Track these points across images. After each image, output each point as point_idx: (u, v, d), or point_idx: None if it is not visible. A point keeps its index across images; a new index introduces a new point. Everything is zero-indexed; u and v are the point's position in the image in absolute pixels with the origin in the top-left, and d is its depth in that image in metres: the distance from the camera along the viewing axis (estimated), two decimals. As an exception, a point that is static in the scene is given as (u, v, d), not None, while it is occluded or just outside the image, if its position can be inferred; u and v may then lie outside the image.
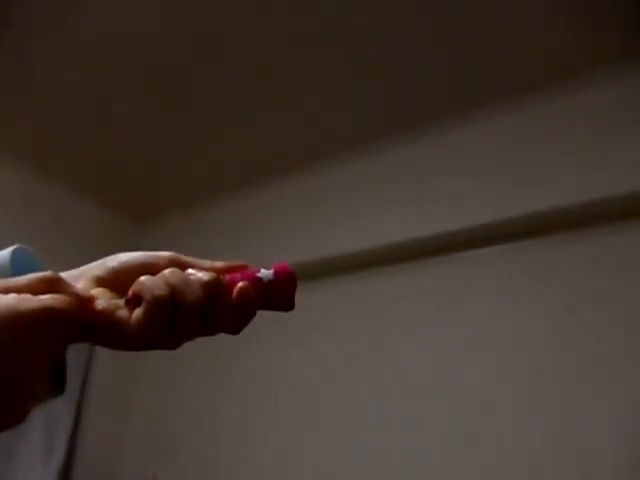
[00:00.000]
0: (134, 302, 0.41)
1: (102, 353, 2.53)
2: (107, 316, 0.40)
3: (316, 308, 2.15)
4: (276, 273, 0.45)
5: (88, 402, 2.44)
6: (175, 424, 2.41)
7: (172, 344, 0.42)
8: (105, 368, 2.52)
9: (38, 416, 2.29)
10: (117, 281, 0.44)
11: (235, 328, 0.44)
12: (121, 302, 0.41)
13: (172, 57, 1.88)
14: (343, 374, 2.04)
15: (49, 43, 1.84)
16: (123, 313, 0.40)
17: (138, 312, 0.40)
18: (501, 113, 1.93)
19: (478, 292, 1.87)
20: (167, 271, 0.42)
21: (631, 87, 1.70)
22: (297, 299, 0.47)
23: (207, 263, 0.46)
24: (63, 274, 0.44)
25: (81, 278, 0.44)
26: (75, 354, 2.45)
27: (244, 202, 2.55)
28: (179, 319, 0.40)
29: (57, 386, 0.46)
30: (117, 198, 2.73)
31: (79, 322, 0.39)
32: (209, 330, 0.43)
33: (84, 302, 0.40)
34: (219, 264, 0.46)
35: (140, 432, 2.52)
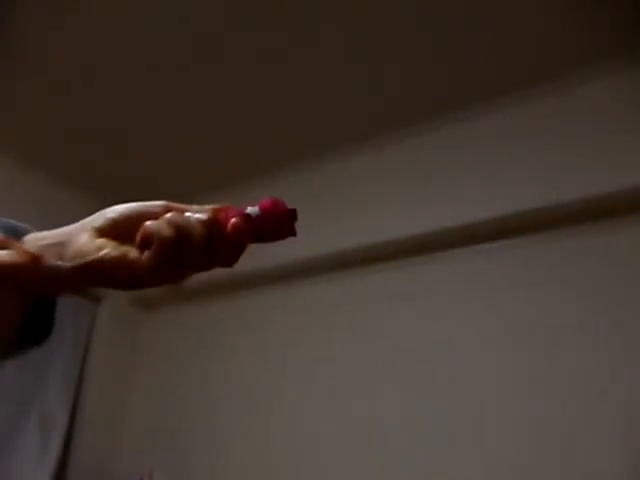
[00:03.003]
0: (143, 245, 0.45)
1: (98, 350, 2.53)
2: (121, 260, 0.44)
3: (314, 304, 2.15)
4: (261, 208, 0.49)
5: (84, 399, 2.44)
6: (172, 422, 2.41)
7: (178, 278, 0.46)
8: (101, 365, 2.51)
9: (33, 414, 2.28)
10: (117, 230, 0.48)
11: (230, 261, 0.49)
12: (128, 247, 0.45)
13: (171, 56, 1.88)
14: (343, 369, 2.03)
15: (49, 43, 1.83)
16: (134, 255, 0.45)
17: (148, 253, 0.44)
18: (500, 110, 1.92)
19: (478, 289, 1.86)
20: (169, 214, 0.47)
21: (631, 83, 1.70)
22: (297, 234, 0.51)
23: (197, 207, 0.51)
24: (66, 228, 0.49)
25: (83, 231, 0.47)
26: (71, 352, 2.44)
27: (242, 200, 2.54)
28: (185, 255, 0.45)
29: (36, 339, 0.49)
30: (116, 196, 2.71)
31: (30, 274, 0.43)
32: (209, 263, 0.47)
33: (34, 258, 0.44)
34: (208, 207, 0.50)
35: (137, 430, 2.51)
